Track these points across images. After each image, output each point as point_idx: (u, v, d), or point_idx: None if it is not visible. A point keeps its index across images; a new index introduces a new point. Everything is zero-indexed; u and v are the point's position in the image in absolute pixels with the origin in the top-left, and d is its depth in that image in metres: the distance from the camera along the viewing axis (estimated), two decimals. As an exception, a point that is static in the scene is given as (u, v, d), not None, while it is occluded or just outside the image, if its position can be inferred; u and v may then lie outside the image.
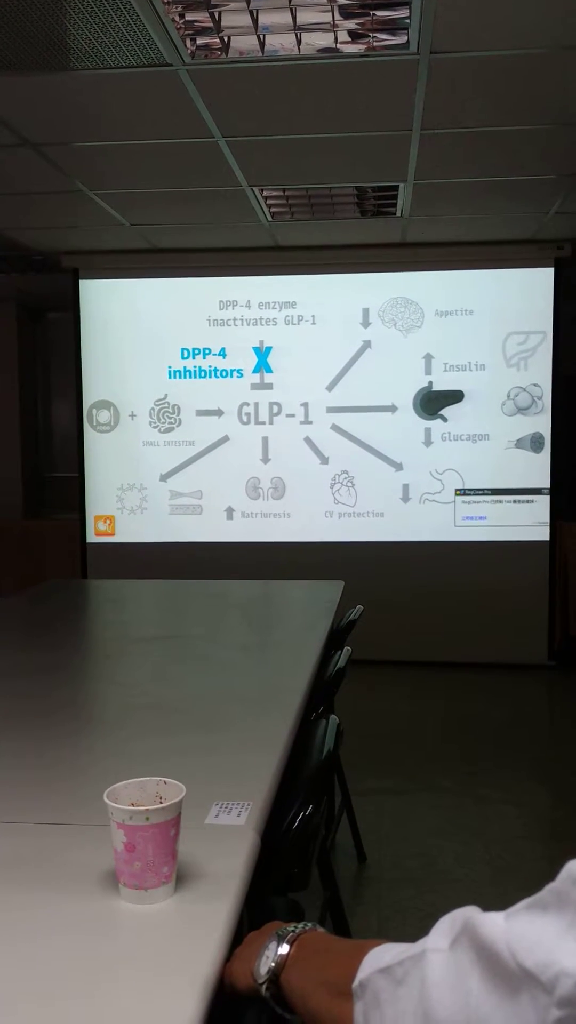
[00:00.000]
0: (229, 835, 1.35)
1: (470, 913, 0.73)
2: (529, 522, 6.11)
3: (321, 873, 2.39)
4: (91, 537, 6.42)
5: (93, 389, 6.36)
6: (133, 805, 1.18)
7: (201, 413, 6.29)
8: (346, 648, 2.74)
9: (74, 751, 1.77)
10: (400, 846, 3.52)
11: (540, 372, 6.03)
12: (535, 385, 6.04)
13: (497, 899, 0.75)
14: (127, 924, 1.13)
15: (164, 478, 6.34)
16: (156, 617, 3.49)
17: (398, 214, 5.20)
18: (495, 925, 0.68)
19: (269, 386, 6.25)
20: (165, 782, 1.23)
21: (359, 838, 3.44)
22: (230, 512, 6.32)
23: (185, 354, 6.28)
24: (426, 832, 3.65)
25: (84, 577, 6.38)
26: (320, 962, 0.93)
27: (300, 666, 2.39)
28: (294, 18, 2.82)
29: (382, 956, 0.80)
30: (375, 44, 3.01)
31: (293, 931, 1.01)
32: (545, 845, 3.54)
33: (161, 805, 1.16)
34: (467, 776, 4.24)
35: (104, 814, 1.18)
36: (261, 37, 2.95)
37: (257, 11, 2.79)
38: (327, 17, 2.83)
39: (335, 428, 6.22)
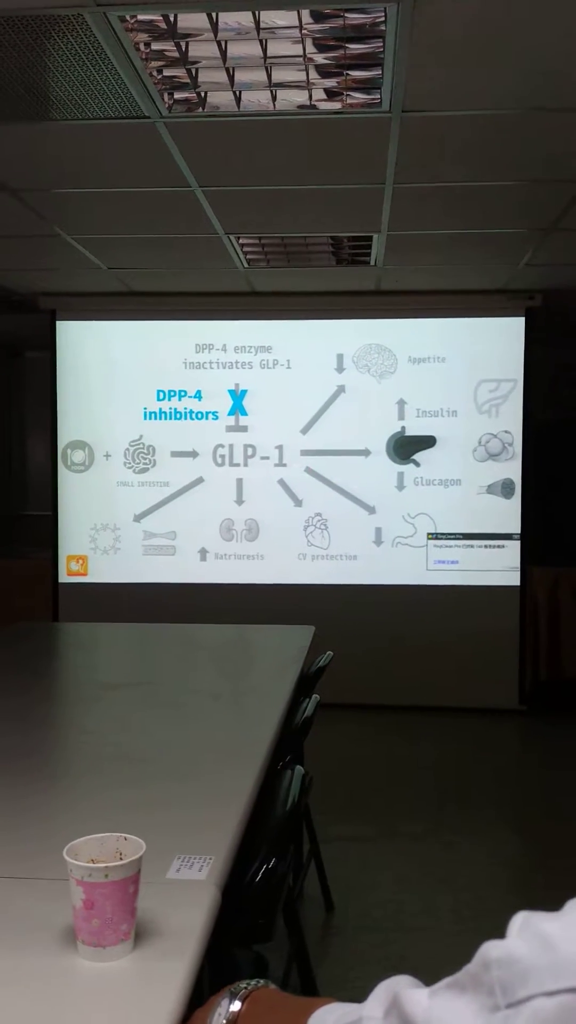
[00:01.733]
0: (190, 890, 1.35)
1: (400, 987, 0.75)
2: (500, 567, 6.15)
3: (287, 923, 2.37)
4: (63, 577, 6.39)
5: (68, 429, 6.37)
6: (92, 861, 1.18)
7: (176, 454, 6.31)
8: (314, 696, 2.74)
9: (36, 802, 1.76)
10: (367, 894, 3.50)
11: (511, 419, 6.11)
12: (506, 432, 6.12)
13: (462, 948, 0.76)
14: (84, 982, 1.13)
15: (138, 518, 6.34)
16: (126, 663, 3.48)
17: (372, 263, 5.29)
18: (418, 1004, 0.71)
19: (244, 428, 6.29)
20: (125, 838, 1.23)
21: (327, 886, 3.41)
22: (204, 553, 6.32)
23: (161, 396, 6.31)
24: (394, 880, 3.63)
25: (56, 617, 6.34)
26: (270, 1020, 0.94)
27: (268, 715, 2.39)
28: (269, 76, 2.89)
29: (325, 1018, 0.82)
30: (349, 102, 3.09)
31: (246, 987, 1.01)
32: (515, 894, 3.53)
33: (120, 862, 1.17)
34: (436, 822, 4.22)
35: (64, 869, 1.18)
36: (237, 93, 3.01)
37: (233, 68, 2.85)
38: (302, 76, 2.90)
39: (309, 471, 6.25)
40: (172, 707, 2.57)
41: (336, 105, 3.11)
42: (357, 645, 5.84)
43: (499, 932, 0.69)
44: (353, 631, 5.92)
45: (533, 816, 4.37)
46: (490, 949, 0.66)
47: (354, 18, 2.56)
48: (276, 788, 2.00)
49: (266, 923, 1.69)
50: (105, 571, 6.36)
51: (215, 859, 1.45)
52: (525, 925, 0.66)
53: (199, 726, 2.37)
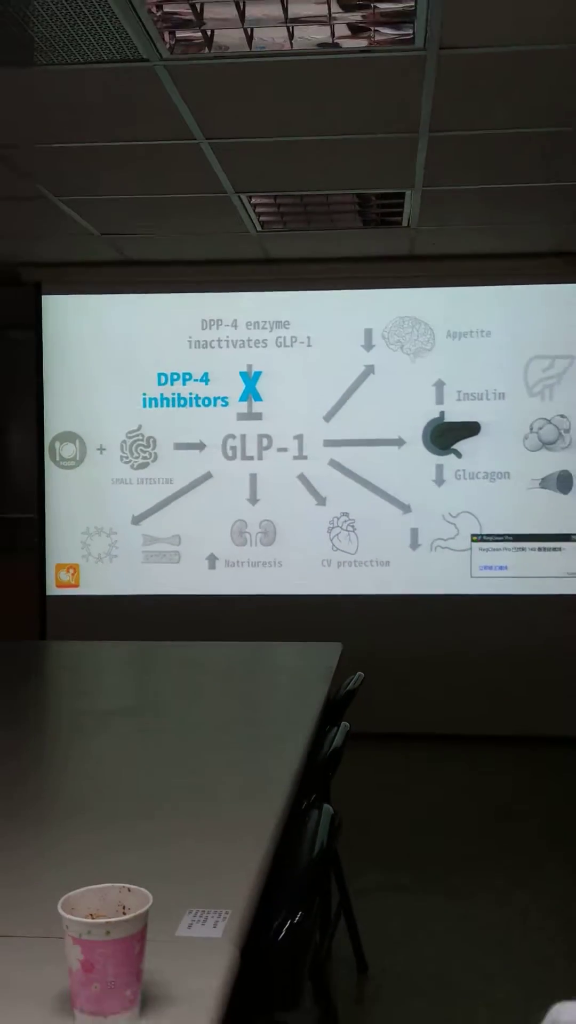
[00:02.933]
0: (204, 949, 1.35)
1: None
2: (557, 572, 6.13)
3: (314, 987, 2.37)
4: (52, 589, 6.42)
5: (56, 419, 6.40)
6: (92, 916, 1.18)
7: (180, 447, 6.32)
8: (343, 724, 2.74)
9: (25, 849, 1.76)
10: (408, 954, 3.49)
11: (568, 401, 6.09)
12: (562, 416, 6.10)
13: (518, 1016, 0.76)
14: (84, 1056, 1.13)
15: (137, 521, 6.36)
16: (125, 686, 3.49)
17: (405, 224, 5.28)
18: None
19: (258, 416, 6.29)
20: (129, 889, 1.23)
21: (360, 945, 3.41)
22: (212, 560, 6.33)
23: (162, 380, 6.33)
24: (439, 937, 3.62)
25: (43, 635, 6.37)
26: None
27: (290, 746, 2.39)
28: (285, 10, 2.89)
29: None
30: (377, 39, 3.09)
31: None
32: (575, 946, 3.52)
33: (124, 917, 1.16)
34: (487, 870, 4.21)
35: (59, 925, 1.18)
36: (248, 31, 3.02)
37: (244, 2, 2.86)
38: (323, 9, 2.90)
39: (333, 464, 6.25)
40: (179, 738, 2.57)
41: (362, 42, 3.10)
42: (391, 665, 5.83)
43: (563, 995, 0.69)
44: (387, 649, 5.91)
45: (598, 862, 4.35)
46: (560, 1013, 0.65)
47: None
48: (301, 831, 2.00)
49: (291, 987, 1.69)
50: (99, 582, 6.38)
51: (232, 913, 1.45)
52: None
53: (211, 760, 2.37)
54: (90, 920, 1.16)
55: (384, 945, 3.52)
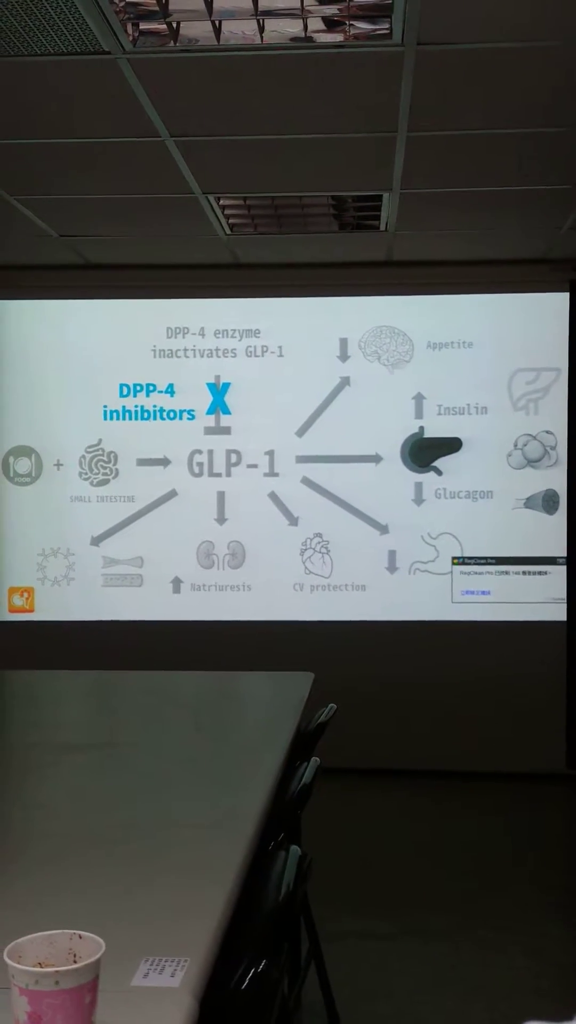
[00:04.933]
0: (160, 1000, 1.34)
1: None
2: (541, 598, 6.15)
3: (281, 1041, 2.36)
4: (4, 614, 6.38)
5: (10, 432, 6.37)
6: (40, 965, 1.17)
7: (143, 463, 6.31)
8: (314, 759, 2.74)
9: (-28, 892, 1.75)
10: (381, 1004, 3.48)
11: (553, 417, 6.13)
12: (548, 432, 6.14)
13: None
14: None
15: (96, 542, 6.33)
16: (82, 719, 3.47)
17: (382, 228, 5.31)
18: None
19: (226, 430, 6.30)
20: (80, 936, 1.23)
21: (331, 995, 3.39)
22: (177, 584, 6.32)
23: (124, 391, 6.32)
24: (414, 986, 3.61)
25: (-5, 663, 6.33)
26: None
27: (256, 782, 2.38)
28: (256, 3, 2.92)
29: None
30: (353, 33, 3.11)
31: None
32: (565, 1002, 3.51)
33: (74, 966, 1.16)
34: (466, 914, 4.21)
35: (4, 975, 1.17)
36: (216, 23, 3.04)
37: (212, -7, 2.88)
38: (297, 2, 2.92)
39: (306, 482, 6.26)
40: (138, 774, 2.56)
41: (337, 37, 3.13)
42: (366, 696, 5.83)
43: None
44: (361, 678, 5.90)
45: (584, 906, 4.36)
46: None
47: None
48: (267, 873, 2.00)
49: (255, 1041, 1.69)
50: (56, 606, 6.35)
51: (191, 962, 1.44)
52: None
53: (171, 797, 2.36)
54: (38, 969, 1.16)
55: (357, 995, 3.51)
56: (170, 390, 6.31)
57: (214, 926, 1.58)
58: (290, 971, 3.06)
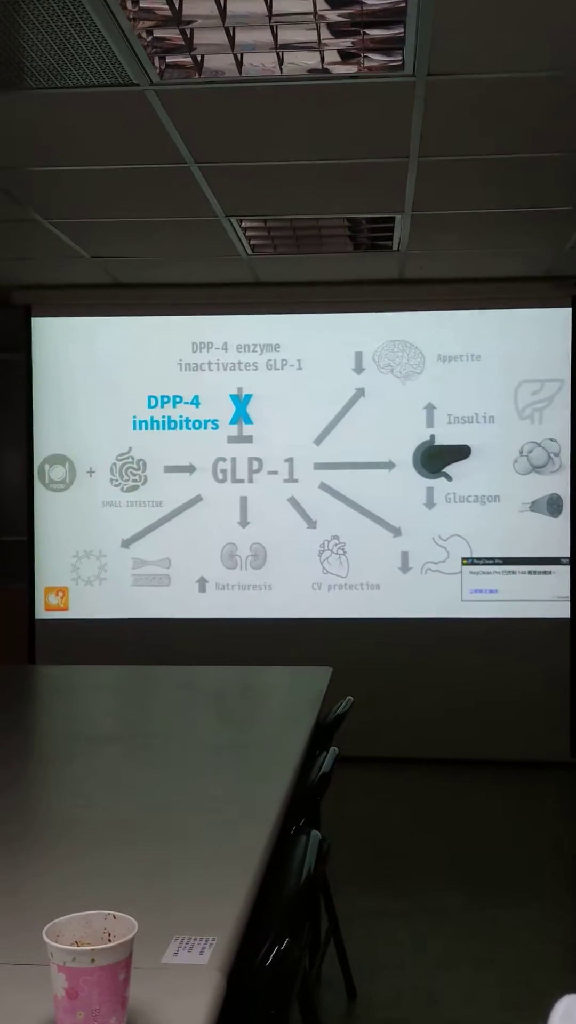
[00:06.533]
0: (190, 976, 1.34)
1: None
2: (547, 596, 6.13)
3: (303, 1014, 2.36)
4: (40, 612, 6.40)
5: (46, 442, 6.39)
6: (77, 944, 1.17)
7: (170, 469, 6.33)
8: (332, 748, 2.73)
9: (11, 874, 1.75)
10: (397, 979, 3.47)
11: (557, 425, 6.11)
12: (551, 440, 6.12)
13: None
14: None
15: (127, 544, 6.35)
16: (113, 711, 3.47)
17: (395, 248, 5.31)
18: None
19: (248, 439, 6.30)
20: (115, 916, 1.23)
21: (349, 970, 3.39)
22: (203, 583, 6.32)
23: (152, 402, 6.33)
24: (428, 962, 3.60)
25: (32, 658, 6.34)
26: None
27: (278, 771, 2.38)
28: (276, 36, 2.92)
29: None
30: (367, 65, 3.11)
31: None
32: (571, 977, 3.50)
33: (109, 945, 1.16)
34: (476, 894, 4.19)
35: (44, 952, 1.17)
36: (238, 56, 3.04)
37: (234, 28, 2.88)
38: (313, 36, 2.92)
39: (324, 487, 6.26)
40: (168, 763, 2.56)
41: (352, 68, 3.13)
42: (381, 689, 5.82)
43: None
44: (376, 672, 5.90)
45: (589, 887, 4.34)
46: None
47: (371, -31, 2.58)
48: (289, 856, 1.99)
49: (279, 1014, 1.68)
50: (89, 605, 6.36)
51: (219, 940, 1.44)
52: (567, 1015, 0.65)
53: (199, 784, 2.36)
54: (75, 948, 1.16)
55: (373, 970, 3.50)
56: (195, 401, 6.32)
57: (240, 906, 1.57)
58: (311, 948, 3.05)
